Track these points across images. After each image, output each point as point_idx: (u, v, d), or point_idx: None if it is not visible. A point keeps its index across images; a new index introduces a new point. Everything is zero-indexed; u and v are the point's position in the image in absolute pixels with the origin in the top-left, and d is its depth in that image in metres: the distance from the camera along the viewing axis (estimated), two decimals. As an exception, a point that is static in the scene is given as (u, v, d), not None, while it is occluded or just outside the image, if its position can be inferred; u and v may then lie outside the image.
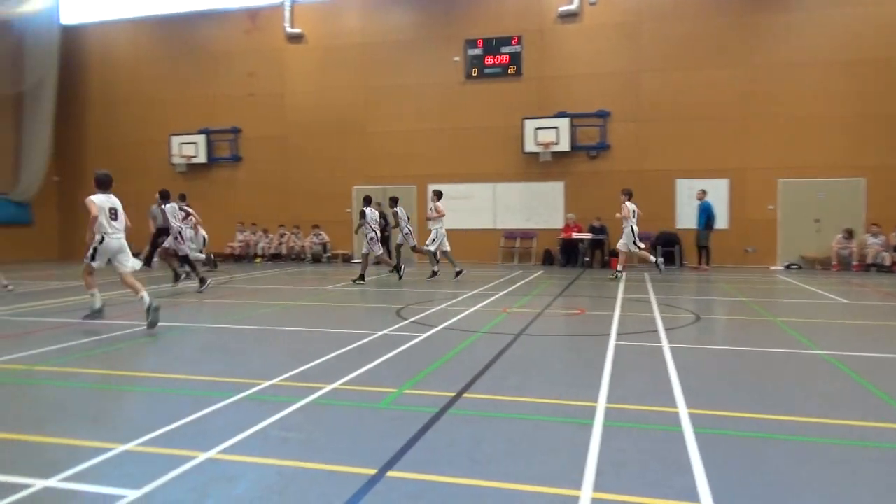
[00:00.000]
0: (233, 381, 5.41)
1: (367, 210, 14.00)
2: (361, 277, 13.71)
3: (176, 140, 21.47)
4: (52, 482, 3.32)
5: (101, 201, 8.20)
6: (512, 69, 19.03)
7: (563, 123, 18.39)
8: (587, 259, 17.89)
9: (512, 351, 6.66)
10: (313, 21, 20.67)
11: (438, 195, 14.90)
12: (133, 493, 3.17)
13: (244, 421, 4.30)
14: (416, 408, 4.63)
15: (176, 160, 21.53)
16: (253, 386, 5.21)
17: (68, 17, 22.67)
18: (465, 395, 4.97)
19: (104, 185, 8.47)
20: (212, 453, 3.71)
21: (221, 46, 21.48)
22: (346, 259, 20.29)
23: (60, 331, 8.03)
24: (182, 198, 14.58)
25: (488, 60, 19.19)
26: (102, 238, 8.18)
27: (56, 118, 22.16)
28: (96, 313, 8.42)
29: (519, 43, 18.93)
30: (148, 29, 22.32)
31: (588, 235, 17.79)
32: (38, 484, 3.30)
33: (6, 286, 11.96)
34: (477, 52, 19.25)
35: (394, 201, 15.09)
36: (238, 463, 3.60)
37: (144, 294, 7.87)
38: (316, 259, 20.24)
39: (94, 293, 8.40)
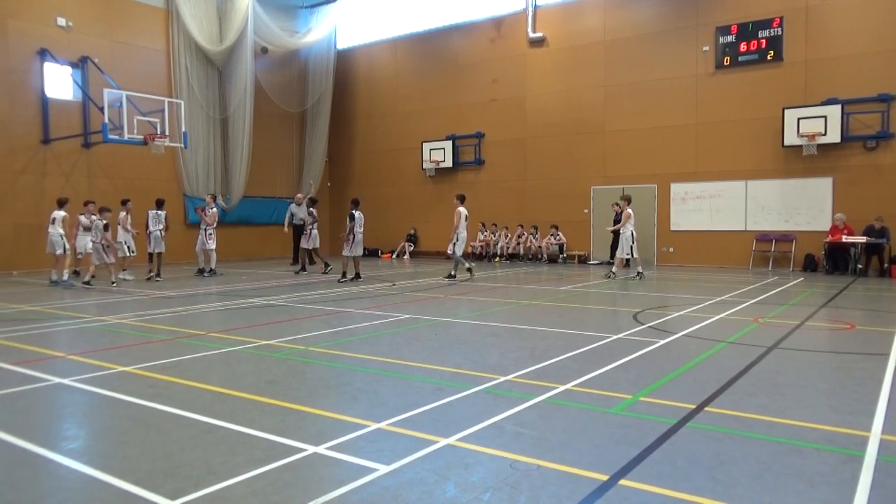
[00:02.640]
0: (471, 373, 5.72)
1: (357, 213, 14.15)
2: (358, 276, 14.28)
3: (427, 147, 23.23)
4: (321, 449, 3.84)
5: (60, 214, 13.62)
6: (770, 54, 17.25)
7: (833, 111, 16.19)
8: (860, 266, 15.54)
9: (763, 365, 6.06)
10: (555, 24, 20.86)
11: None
12: (384, 468, 3.54)
13: (481, 413, 4.53)
14: (652, 417, 4.46)
15: (426, 165, 23.30)
16: (490, 380, 5.45)
17: (342, 43, 25.82)
18: (707, 408, 4.66)
19: (62, 203, 13.92)
20: (451, 440, 3.98)
21: (467, 57, 22.71)
22: (582, 260, 20.16)
23: (332, 317, 9.20)
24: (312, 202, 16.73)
25: (742, 47, 17.63)
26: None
27: (329, 132, 25.39)
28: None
29: (780, 25, 17.09)
30: (404, 47, 24.46)
31: (862, 239, 15.42)
32: (311, 449, 3.84)
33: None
34: (730, 38, 17.80)
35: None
36: (474, 452, 3.81)
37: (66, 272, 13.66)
38: (552, 259, 20.42)
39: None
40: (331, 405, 4.83)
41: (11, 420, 4.55)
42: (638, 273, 14.57)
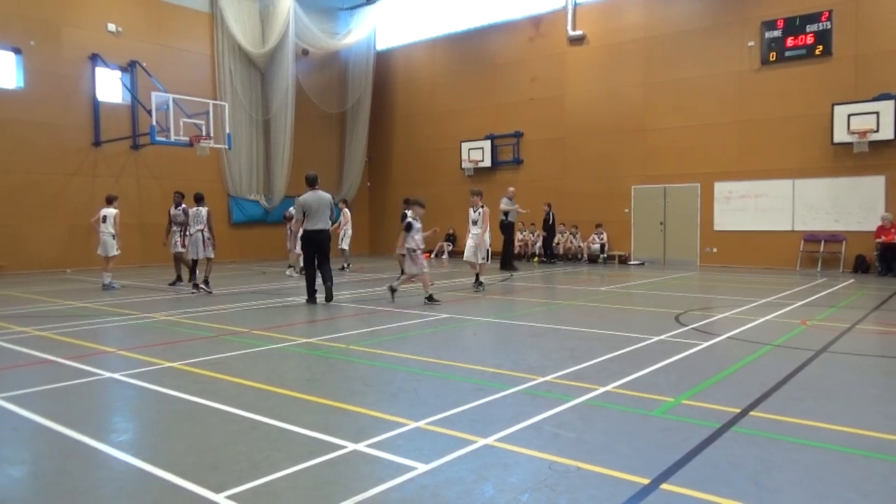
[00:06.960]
0: (510, 374, 5.71)
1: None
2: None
3: (465, 146, 23.23)
4: (361, 447, 3.89)
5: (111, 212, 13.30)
6: (819, 49, 16.75)
7: (887, 107, 15.63)
8: (916, 268, 14.99)
9: (810, 370, 5.90)
10: (595, 21, 20.63)
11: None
12: (423, 467, 3.56)
13: (520, 413, 4.52)
14: (694, 420, 4.39)
15: (465, 165, 23.30)
16: (529, 381, 5.44)
17: (381, 44, 26.01)
18: (752, 413, 4.56)
19: (110, 200, 13.47)
20: (490, 440, 3.98)
21: (506, 56, 22.63)
22: (623, 260, 19.90)
23: (372, 316, 9.29)
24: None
25: (789, 42, 17.16)
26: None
27: (368, 132, 25.61)
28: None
29: (829, 18, 16.58)
30: (442, 47, 24.50)
31: (918, 239, 14.86)
32: (351, 446, 3.89)
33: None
34: (776, 33, 17.34)
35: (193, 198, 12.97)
36: (513, 452, 3.80)
37: None
38: (592, 259, 20.21)
39: None
40: (371, 403, 4.88)
41: (65, 412, 4.72)
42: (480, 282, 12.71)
